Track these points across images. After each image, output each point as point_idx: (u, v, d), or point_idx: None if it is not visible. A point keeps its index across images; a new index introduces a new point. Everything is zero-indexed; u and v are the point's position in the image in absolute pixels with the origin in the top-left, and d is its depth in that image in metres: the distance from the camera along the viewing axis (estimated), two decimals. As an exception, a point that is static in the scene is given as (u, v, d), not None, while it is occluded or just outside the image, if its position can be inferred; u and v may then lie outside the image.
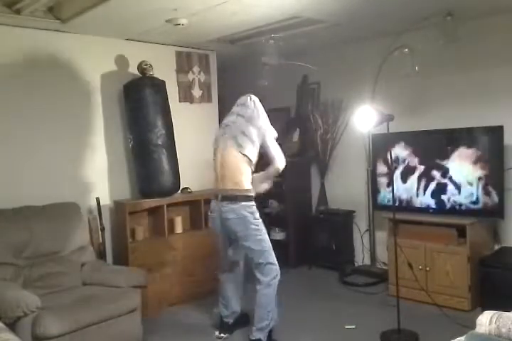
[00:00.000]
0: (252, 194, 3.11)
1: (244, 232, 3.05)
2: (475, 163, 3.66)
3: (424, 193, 3.94)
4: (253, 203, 3.09)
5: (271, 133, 3.13)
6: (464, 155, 3.71)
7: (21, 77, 3.54)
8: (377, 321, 3.44)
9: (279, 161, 3.11)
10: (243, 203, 3.04)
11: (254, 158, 3.10)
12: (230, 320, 3.39)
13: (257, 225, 3.07)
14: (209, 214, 3.29)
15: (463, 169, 3.72)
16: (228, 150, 3.09)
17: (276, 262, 3.13)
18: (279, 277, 3.13)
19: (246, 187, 3.07)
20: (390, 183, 3.38)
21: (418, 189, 3.98)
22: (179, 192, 4.13)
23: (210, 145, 3.32)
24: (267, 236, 3.13)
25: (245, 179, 3.08)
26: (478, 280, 3.51)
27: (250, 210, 3.06)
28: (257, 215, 3.09)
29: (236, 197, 3.05)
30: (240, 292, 3.42)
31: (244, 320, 3.44)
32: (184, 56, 4.53)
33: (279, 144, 3.17)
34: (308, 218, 5.00)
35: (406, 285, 3.73)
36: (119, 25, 3.65)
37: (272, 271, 3.09)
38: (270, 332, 3.14)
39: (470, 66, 3.92)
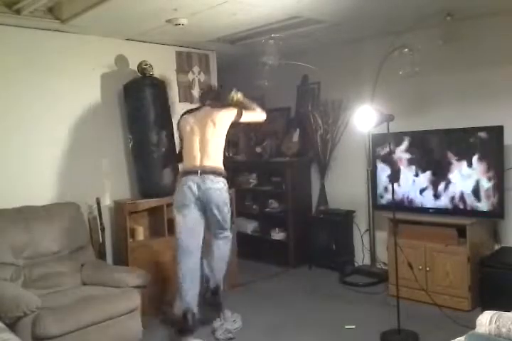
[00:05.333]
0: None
1: (224, 202, 3.29)
2: (475, 163, 3.66)
3: (424, 193, 3.94)
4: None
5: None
6: (463, 155, 3.72)
7: (21, 77, 3.54)
8: (377, 321, 3.44)
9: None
10: (222, 177, 3.31)
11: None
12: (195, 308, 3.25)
13: (229, 195, 3.40)
14: (179, 187, 3.30)
15: (462, 169, 3.73)
16: (207, 129, 3.32)
17: None
18: None
19: (222, 167, 3.34)
20: (390, 183, 3.39)
21: (418, 189, 3.98)
22: (179, 192, 4.13)
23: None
24: None
25: (221, 157, 3.36)
26: (478, 280, 3.51)
27: (226, 185, 3.33)
28: None
29: (219, 171, 3.29)
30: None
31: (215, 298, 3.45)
32: (184, 56, 4.53)
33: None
34: (308, 218, 4.99)
35: (406, 285, 3.73)
36: (119, 25, 3.65)
37: (231, 229, 3.53)
38: (218, 293, 3.39)
39: (470, 66, 3.92)
